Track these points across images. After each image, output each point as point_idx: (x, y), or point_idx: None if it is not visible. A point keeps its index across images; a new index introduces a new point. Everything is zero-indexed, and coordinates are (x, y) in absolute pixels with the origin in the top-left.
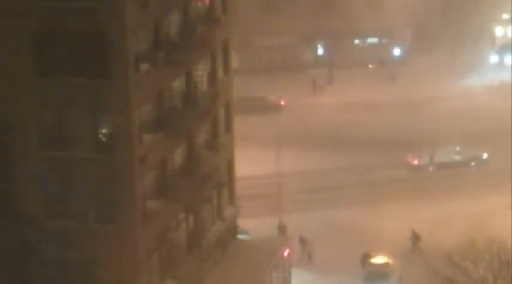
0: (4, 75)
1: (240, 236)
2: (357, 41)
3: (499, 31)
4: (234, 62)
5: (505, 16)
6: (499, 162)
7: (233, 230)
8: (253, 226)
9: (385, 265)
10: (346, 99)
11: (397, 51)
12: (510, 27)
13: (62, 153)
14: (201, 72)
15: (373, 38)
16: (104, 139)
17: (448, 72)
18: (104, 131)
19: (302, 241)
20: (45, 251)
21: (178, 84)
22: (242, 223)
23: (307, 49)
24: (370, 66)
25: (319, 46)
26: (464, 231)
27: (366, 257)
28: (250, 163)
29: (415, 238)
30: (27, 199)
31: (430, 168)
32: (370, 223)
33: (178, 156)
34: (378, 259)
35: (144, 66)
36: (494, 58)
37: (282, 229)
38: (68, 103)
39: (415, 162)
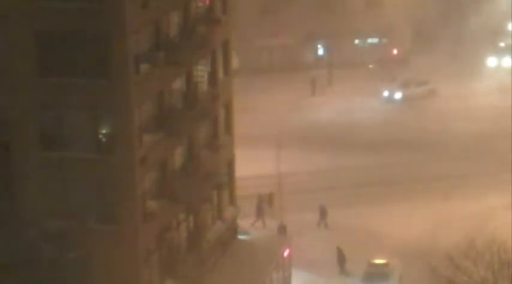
0: (4, 75)
1: (240, 236)
2: (357, 41)
3: (491, 61)
4: (234, 62)
5: (502, 44)
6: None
7: (233, 230)
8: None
9: (385, 265)
10: (346, 100)
11: (397, 51)
12: (506, 58)
13: (62, 153)
14: (201, 72)
15: (373, 38)
16: (104, 140)
17: (447, 72)
18: (104, 131)
19: None
20: (45, 251)
21: (178, 84)
22: (242, 223)
23: (307, 49)
24: (370, 66)
25: (319, 46)
26: (464, 231)
27: (340, 254)
28: (250, 163)
29: (322, 212)
30: (27, 200)
31: None
32: (370, 223)
33: (178, 156)
34: (378, 259)
35: (144, 67)
36: (385, 93)
37: (282, 229)
38: (68, 103)
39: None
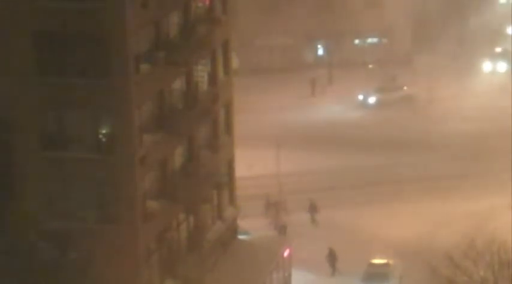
0: (4, 75)
1: (240, 236)
2: (357, 41)
3: (487, 66)
4: (234, 62)
5: (498, 49)
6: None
7: (233, 230)
8: (253, 226)
9: (385, 265)
10: (347, 100)
11: (397, 51)
12: (501, 62)
13: (62, 153)
14: (201, 72)
15: (373, 38)
16: (104, 139)
17: (447, 72)
18: (104, 131)
19: None
20: (45, 251)
21: (178, 84)
22: (242, 223)
23: (307, 49)
24: (370, 66)
25: (319, 46)
26: (464, 231)
27: (332, 254)
28: (250, 163)
29: (312, 208)
30: (27, 199)
31: None
32: (370, 223)
33: (178, 156)
34: (378, 259)
35: (144, 66)
36: (360, 96)
37: (282, 229)
38: (68, 103)
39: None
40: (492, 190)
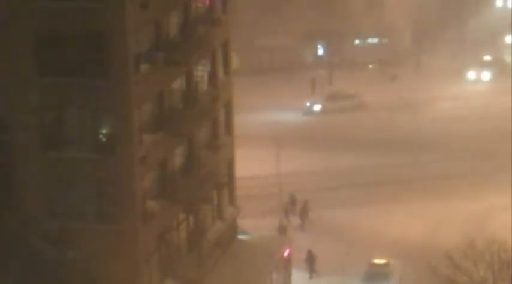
0: (4, 75)
1: (240, 236)
2: (357, 41)
3: (471, 75)
4: (234, 62)
5: (487, 57)
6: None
7: (233, 230)
8: (253, 226)
9: (385, 265)
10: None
11: (397, 51)
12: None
13: (62, 153)
14: (201, 72)
15: (373, 38)
16: (104, 139)
17: (447, 73)
18: (104, 131)
19: None
20: (45, 251)
21: (178, 84)
22: (242, 223)
23: (307, 49)
24: (370, 66)
25: (319, 46)
26: (464, 231)
27: (310, 256)
28: (250, 163)
29: (292, 201)
30: (27, 199)
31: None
32: (370, 223)
33: (178, 156)
34: (378, 259)
35: (144, 67)
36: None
37: (282, 229)
38: (68, 103)
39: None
40: (492, 190)
